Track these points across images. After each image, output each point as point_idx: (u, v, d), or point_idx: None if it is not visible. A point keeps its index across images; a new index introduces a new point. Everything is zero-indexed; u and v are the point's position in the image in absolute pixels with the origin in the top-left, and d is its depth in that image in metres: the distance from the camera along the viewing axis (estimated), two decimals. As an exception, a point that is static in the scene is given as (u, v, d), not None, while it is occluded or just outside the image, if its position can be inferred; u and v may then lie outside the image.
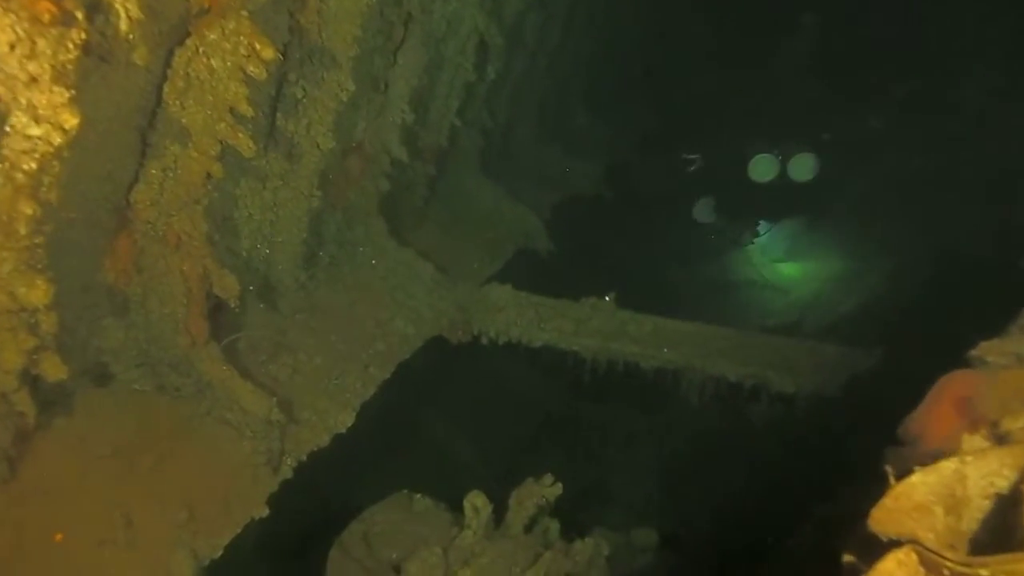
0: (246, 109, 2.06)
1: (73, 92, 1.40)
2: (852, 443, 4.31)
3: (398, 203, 4.29)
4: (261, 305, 3.21)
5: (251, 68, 2.01)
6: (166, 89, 2.03)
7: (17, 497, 2.13)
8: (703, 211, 6.68)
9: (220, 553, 2.32)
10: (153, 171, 2.18)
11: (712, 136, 6.64)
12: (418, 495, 3.14)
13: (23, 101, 1.34)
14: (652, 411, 5.21)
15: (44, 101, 1.35)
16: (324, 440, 2.80)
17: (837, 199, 6.48)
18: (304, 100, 2.73)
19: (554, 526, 3.00)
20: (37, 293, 1.70)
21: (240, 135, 2.13)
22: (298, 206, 3.00)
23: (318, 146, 2.82)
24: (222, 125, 2.09)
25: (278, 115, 2.71)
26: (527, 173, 5.94)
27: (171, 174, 2.20)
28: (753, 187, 6.11)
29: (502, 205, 5.07)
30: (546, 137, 6.26)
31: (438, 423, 4.88)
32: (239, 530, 2.39)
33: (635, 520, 4.51)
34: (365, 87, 3.19)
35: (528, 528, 2.91)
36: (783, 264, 7.31)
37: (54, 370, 1.98)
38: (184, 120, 2.09)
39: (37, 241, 1.68)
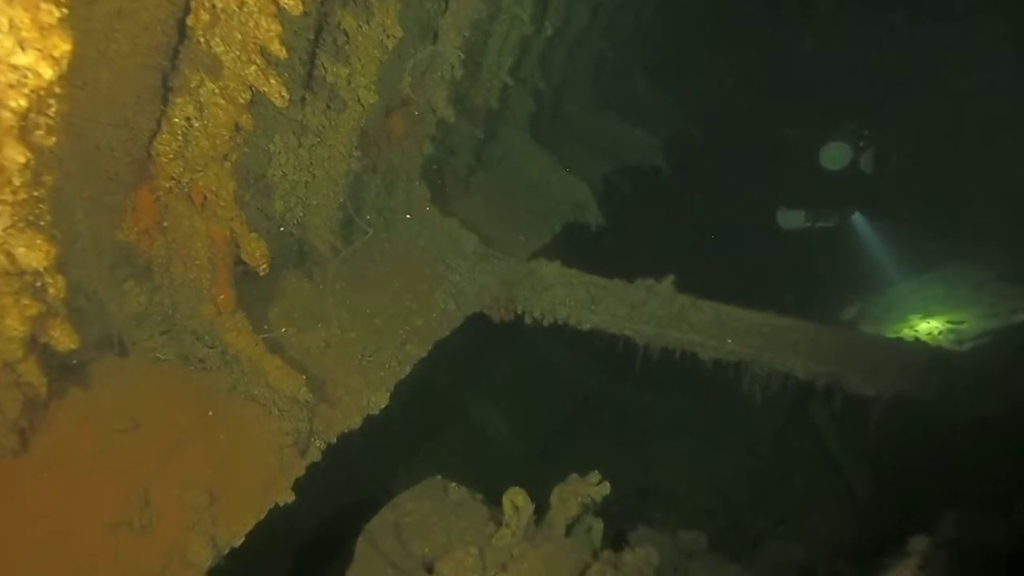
0: (279, 50, 1.78)
1: (65, 11, 1.14)
2: (933, 458, 3.94)
3: (442, 168, 4.01)
4: (294, 273, 2.99)
5: (285, 1, 1.73)
6: (189, 23, 1.76)
7: (27, 471, 1.97)
8: (769, 194, 6.20)
9: (241, 541, 2.13)
10: (176, 119, 1.94)
11: (783, 111, 6.11)
12: (453, 484, 2.92)
13: (4, 21, 1.09)
14: (709, 404, 4.87)
15: (28, 21, 1.10)
16: (356, 422, 2.59)
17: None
18: (346, 46, 2.44)
19: (598, 527, 2.75)
20: (37, 254, 1.48)
21: (272, 81, 1.86)
22: (336, 167, 2.74)
23: (359, 100, 2.54)
24: (252, 68, 1.82)
25: (317, 62, 2.43)
26: (579, 140, 5.58)
27: (196, 124, 1.95)
28: (826, 173, 5.60)
29: (551, 174, 4.73)
30: (601, 102, 5.86)
31: (476, 404, 4.66)
32: (262, 516, 2.20)
33: (680, 521, 4.25)
34: (413, 35, 2.88)
35: (570, 528, 2.67)
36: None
37: (65, 339, 1.78)
38: (210, 59, 1.83)
39: (36, 194, 1.45)
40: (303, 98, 2.49)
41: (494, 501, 2.88)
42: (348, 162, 2.77)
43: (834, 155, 5.71)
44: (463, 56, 3.17)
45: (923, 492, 3.81)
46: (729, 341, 3.40)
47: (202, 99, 1.91)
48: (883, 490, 3.90)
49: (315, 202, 2.83)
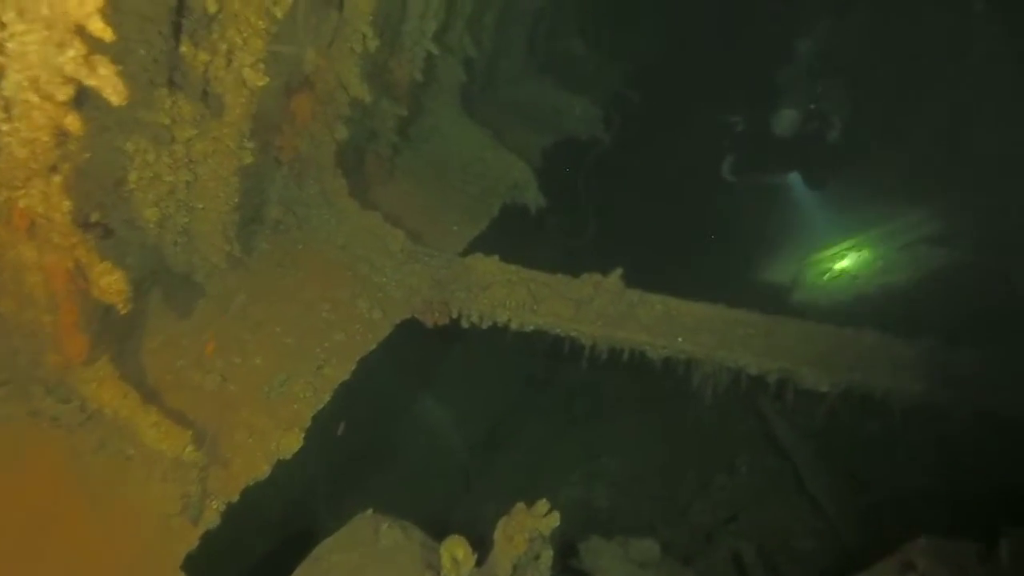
0: (102, 30, 1.30)
1: None
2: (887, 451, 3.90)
3: (362, 152, 3.53)
4: (181, 291, 2.50)
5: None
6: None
7: None
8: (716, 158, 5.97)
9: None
10: (-27, 123, 1.42)
11: (729, 69, 5.84)
12: (386, 523, 2.58)
13: None
14: (657, 404, 4.70)
15: None
16: (263, 472, 2.19)
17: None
18: (220, 17, 1.93)
19: (547, 555, 2.48)
20: None
21: (102, 71, 1.37)
22: (223, 163, 2.25)
23: (245, 83, 2.05)
24: (70, 55, 1.33)
25: (183, 39, 1.92)
26: (516, 111, 5.15)
27: (4, 128, 1.45)
28: (776, 137, 5.40)
29: (486, 152, 4.31)
30: (536, 69, 5.42)
31: (410, 425, 4.30)
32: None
33: (629, 532, 4.09)
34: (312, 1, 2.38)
35: (516, 569, 2.39)
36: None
37: None
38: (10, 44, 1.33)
39: None
40: (170, 82, 1.98)
41: (435, 522, 2.58)
42: (239, 156, 2.27)
43: (784, 120, 5.51)
44: (377, 24, 2.69)
45: (880, 486, 3.79)
46: (680, 339, 3.16)
47: (6, 96, 1.40)
48: (836, 481, 3.85)
49: (201, 205, 2.33)
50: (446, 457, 5.24)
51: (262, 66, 2.05)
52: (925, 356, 3.08)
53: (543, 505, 2.45)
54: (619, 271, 3.25)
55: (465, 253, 3.70)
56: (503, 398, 5.40)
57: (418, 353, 3.87)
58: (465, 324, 3.23)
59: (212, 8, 1.88)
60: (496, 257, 3.27)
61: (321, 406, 2.49)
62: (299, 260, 2.94)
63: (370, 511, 2.58)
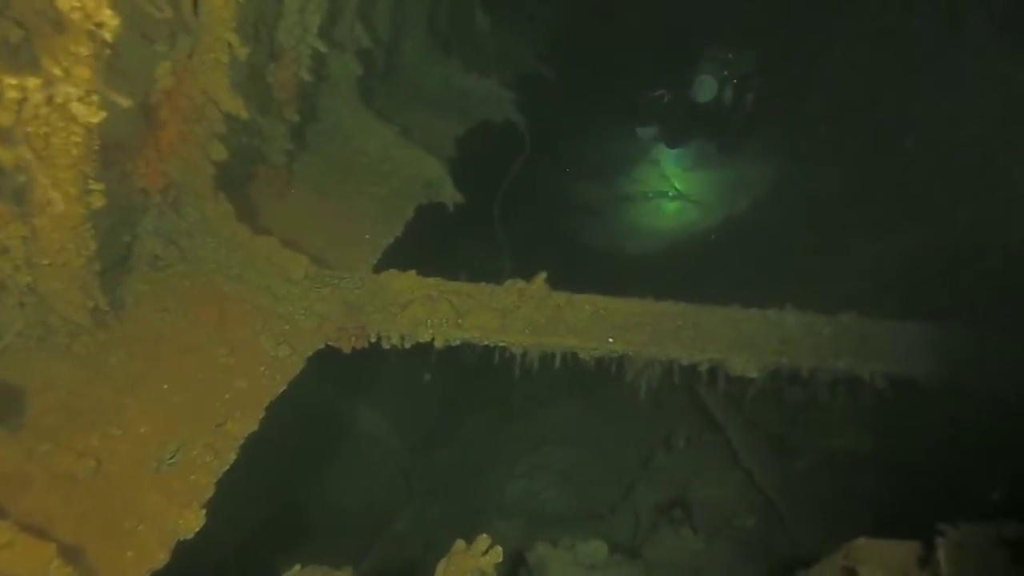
0: None
1: None
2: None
3: (249, 169, 3.17)
4: (41, 355, 2.14)
5: None
6: None
7: None
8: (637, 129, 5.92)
9: None
10: None
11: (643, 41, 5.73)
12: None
13: None
14: (594, 388, 4.62)
15: None
16: (160, 560, 1.92)
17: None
18: (29, 45, 1.58)
19: (491, 578, 2.36)
20: None
21: None
22: (68, 212, 1.90)
23: (76, 119, 1.70)
24: None
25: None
26: (421, 100, 4.83)
27: None
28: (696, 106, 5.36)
29: (394, 149, 4.00)
30: (441, 51, 5.09)
31: (342, 437, 4.05)
32: None
33: (577, 524, 4.04)
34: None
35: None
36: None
37: None
38: None
39: None
40: (-25, 126, 1.62)
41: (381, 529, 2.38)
42: (86, 201, 1.93)
43: (703, 88, 5.51)
44: (243, 26, 2.34)
45: (808, 451, 3.88)
46: (610, 339, 3.05)
47: None
48: (766, 450, 3.91)
49: (46, 261, 1.98)
50: (385, 462, 5.04)
51: (96, 98, 1.70)
52: (844, 330, 3.11)
53: (483, 541, 2.31)
54: (543, 275, 3.09)
55: (380, 263, 3.45)
56: (438, 396, 5.23)
57: (342, 366, 3.63)
58: (386, 346, 3.00)
59: (14, 37, 1.52)
60: (413, 272, 3.04)
61: (226, 468, 2.22)
62: (187, 300, 2.61)
63: (297, 567, 2.37)
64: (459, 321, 3.01)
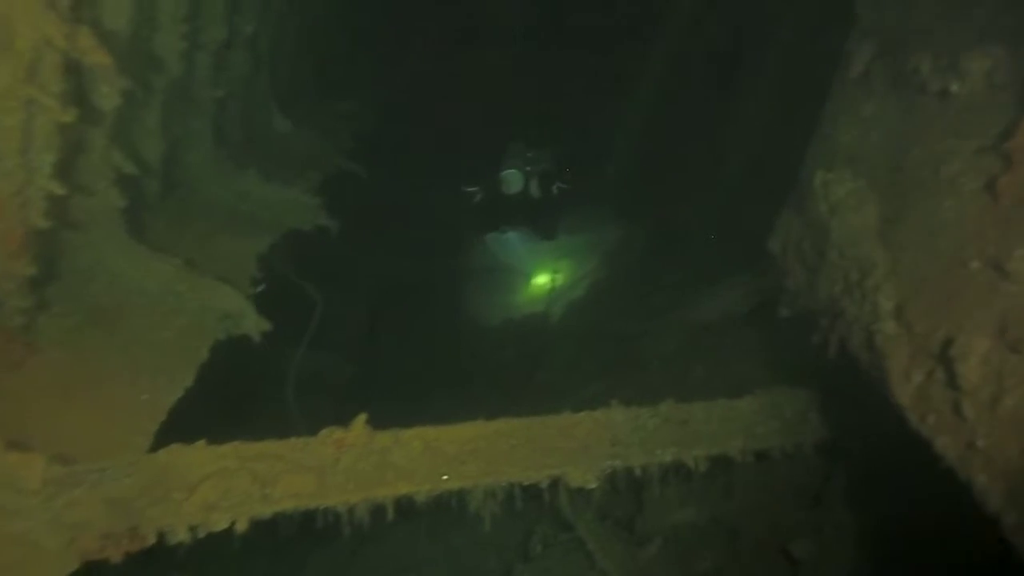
0: None
1: None
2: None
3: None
4: None
5: None
6: None
7: None
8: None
9: None
10: None
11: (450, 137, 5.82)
12: None
13: None
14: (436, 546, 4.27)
15: None
16: None
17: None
18: None
19: None
20: None
21: None
22: None
23: None
24: None
25: None
26: (216, 218, 4.34)
27: None
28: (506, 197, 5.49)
29: (176, 283, 3.47)
30: (233, 162, 4.67)
31: None
32: None
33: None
34: None
35: None
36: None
37: None
38: None
39: None
40: None
41: None
42: None
43: (510, 180, 5.73)
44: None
45: (655, 535, 3.86)
46: (444, 477, 2.78)
47: None
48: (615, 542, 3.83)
49: None
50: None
51: None
52: (665, 420, 3.14)
53: None
54: (362, 417, 2.76)
55: (163, 433, 2.88)
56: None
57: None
58: (171, 542, 2.43)
59: None
60: (202, 442, 2.54)
61: None
62: None
63: None
64: (265, 492, 2.55)
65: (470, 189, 5.76)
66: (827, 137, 2.75)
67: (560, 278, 6.98)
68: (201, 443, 2.53)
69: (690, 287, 4.88)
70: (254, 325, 3.65)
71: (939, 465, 1.80)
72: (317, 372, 5.38)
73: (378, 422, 2.88)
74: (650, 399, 3.17)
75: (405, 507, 2.86)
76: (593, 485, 2.98)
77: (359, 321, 6.23)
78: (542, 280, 7.39)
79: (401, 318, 6.36)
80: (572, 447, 2.98)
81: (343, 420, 2.78)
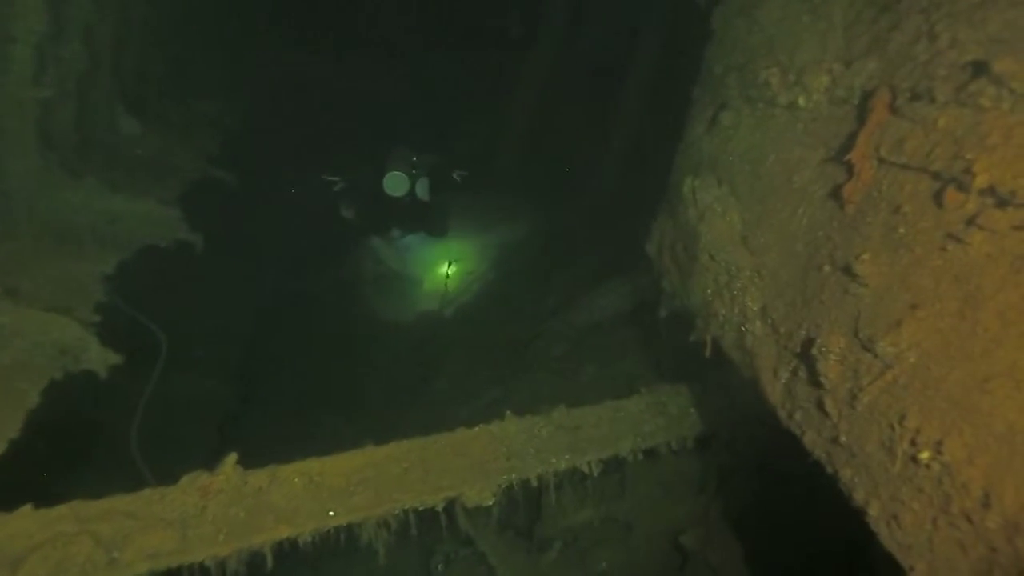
0: None
1: None
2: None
3: None
4: None
5: None
6: None
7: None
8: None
9: None
10: None
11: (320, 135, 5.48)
12: None
13: None
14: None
15: None
16: None
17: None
18: None
19: None
20: None
21: None
22: None
23: None
24: None
25: None
26: (50, 239, 3.76)
27: None
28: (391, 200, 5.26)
29: (26, 322, 2.96)
30: (66, 171, 4.09)
31: None
32: None
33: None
34: None
35: None
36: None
37: None
38: None
39: None
40: None
41: None
42: None
43: (394, 183, 5.51)
44: None
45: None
46: (331, 513, 2.54)
47: None
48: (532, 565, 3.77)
49: None
50: None
51: None
52: (559, 427, 3.10)
53: None
54: (232, 457, 2.47)
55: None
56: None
57: None
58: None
59: None
60: (28, 507, 2.15)
61: None
62: None
63: None
64: (115, 554, 2.20)
65: (331, 179, 5.50)
66: (692, 144, 2.79)
67: (452, 283, 6.82)
68: (27, 508, 2.13)
69: (579, 288, 4.92)
70: (99, 359, 3.19)
71: (810, 458, 1.84)
72: (191, 399, 4.89)
73: (262, 449, 2.60)
74: (545, 402, 3.11)
75: (288, 551, 2.59)
76: (490, 502, 2.86)
77: (237, 340, 5.75)
78: (434, 286, 7.21)
79: (285, 334, 5.94)
80: (467, 465, 2.84)
81: (221, 452, 2.48)
